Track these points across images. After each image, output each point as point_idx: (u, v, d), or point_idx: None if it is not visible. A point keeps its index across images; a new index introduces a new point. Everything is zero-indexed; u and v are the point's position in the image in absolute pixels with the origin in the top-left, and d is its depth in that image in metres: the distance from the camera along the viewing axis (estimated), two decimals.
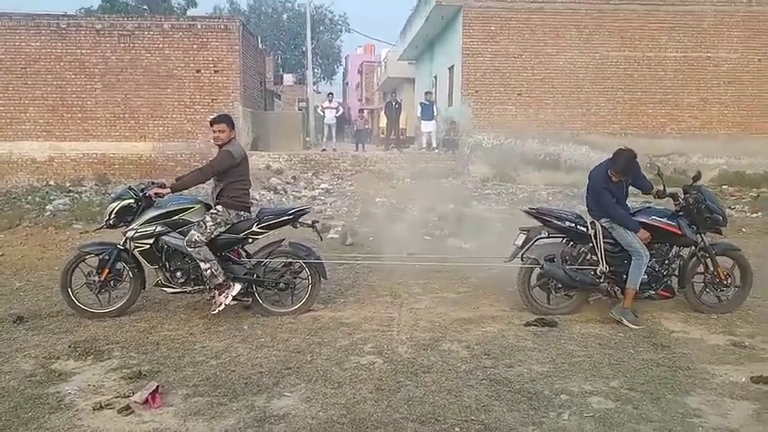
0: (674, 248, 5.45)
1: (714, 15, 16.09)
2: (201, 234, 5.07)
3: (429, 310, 5.51)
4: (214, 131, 5.31)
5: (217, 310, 5.11)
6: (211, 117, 5.44)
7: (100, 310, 5.26)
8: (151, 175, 14.26)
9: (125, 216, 5.17)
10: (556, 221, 5.41)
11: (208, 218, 5.13)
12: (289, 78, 40.39)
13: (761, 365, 4.22)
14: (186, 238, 5.05)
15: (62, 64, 15.34)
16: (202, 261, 5.05)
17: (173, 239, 5.14)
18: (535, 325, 5.05)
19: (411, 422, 3.35)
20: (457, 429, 3.28)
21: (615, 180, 5.23)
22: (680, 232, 5.29)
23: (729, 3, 16.09)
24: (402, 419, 3.38)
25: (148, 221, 5.14)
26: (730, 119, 16.41)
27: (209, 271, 5.05)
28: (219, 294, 5.12)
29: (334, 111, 19.16)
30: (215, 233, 5.14)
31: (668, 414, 3.47)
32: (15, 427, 3.30)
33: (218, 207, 5.21)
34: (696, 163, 15.60)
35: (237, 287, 5.14)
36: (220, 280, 5.11)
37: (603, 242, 5.26)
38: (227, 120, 5.38)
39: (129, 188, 5.35)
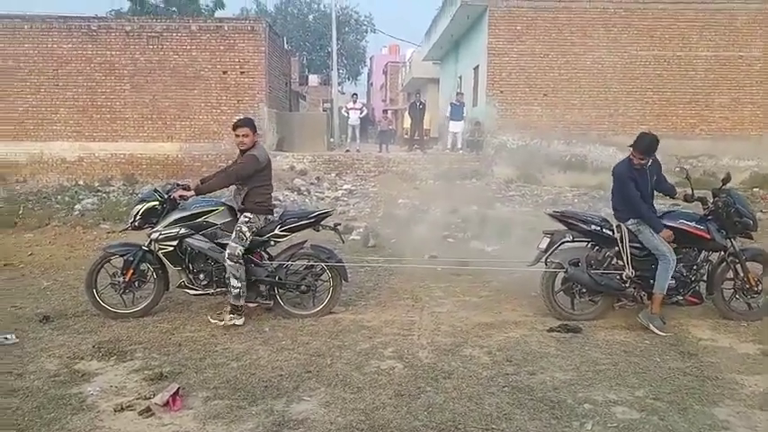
0: (703, 253, 5.32)
1: (746, 14, 15.70)
2: (242, 244, 5.10)
3: (450, 315, 5.46)
4: (237, 136, 5.25)
5: (221, 323, 5.07)
6: (234, 121, 5.38)
7: (124, 310, 5.32)
8: (178, 175, 14.41)
9: (150, 218, 5.23)
10: (581, 225, 5.31)
11: (244, 228, 5.14)
12: (314, 79, 40.56)
13: None
14: (228, 251, 5.08)
15: (92, 65, 15.60)
16: (235, 278, 5.08)
17: (196, 242, 5.19)
18: (558, 331, 4.97)
19: (431, 429, 3.32)
20: None
21: (638, 166, 5.13)
22: (709, 236, 5.16)
23: (763, 0, 15.68)
24: (422, 426, 3.35)
25: (172, 223, 5.19)
26: (762, 119, 16.00)
27: (237, 290, 5.09)
28: (231, 313, 5.13)
29: (359, 111, 19.15)
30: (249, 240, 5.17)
31: (695, 426, 3.38)
32: (38, 427, 3.35)
33: (249, 214, 5.20)
34: (726, 165, 15.23)
35: (241, 321, 5.12)
36: (241, 303, 5.13)
37: (630, 246, 5.16)
38: (250, 123, 5.32)
39: (155, 190, 5.41)
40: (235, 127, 5.30)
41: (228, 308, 5.15)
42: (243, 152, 5.29)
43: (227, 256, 5.08)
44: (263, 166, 5.25)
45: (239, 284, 5.09)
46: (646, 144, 5.09)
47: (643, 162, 5.13)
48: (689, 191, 5.40)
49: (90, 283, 5.25)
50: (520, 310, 5.61)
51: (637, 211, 5.16)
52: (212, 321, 5.11)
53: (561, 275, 5.36)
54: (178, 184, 5.51)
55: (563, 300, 5.40)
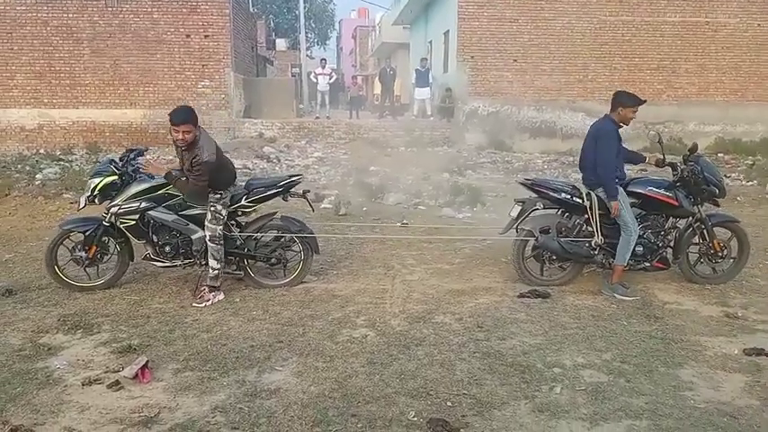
0: (670, 220, 5.41)
1: None
2: (220, 224, 4.97)
3: (422, 282, 5.48)
4: (177, 132, 4.67)
5: (202, 305, 4.84)
6: (170, 114, 4.69)
7: (89, 283, 5.20)
8: (143, 143, 14.07)
9: (109, 192, 5.04)
10: (551, 193, 5.34)
11: (218, 206, 4.96)
12: (281, 43, 39.67)
13: (754, 337, 4.22)
14: (208, 234, 4.94)
15: (49, 29, 14.98)
16: (215, 259, 4.96)
17: (160, 214, 5.04)
18: (528, 297, 5.03)
19: (403, 396, 3.34)
20: (449, 403, 3.26)
21: (624, 124, 5.20)
22: (677, 203, 5.24)
23: None
24: (394, 393, 3.37)
25: (133, 197, 5.02)
26: (728, 85, 16.26)
27: (216, 272, 4.97)
28: (210, 292, 4.96)
29: (328, 77, 18.85)
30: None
31: (660, 387, 3.47)
32: (3, 402, 3.26)
33: (219, 191, 4.97)
34: (692, 130, 15.51)
35: (222, 296, 5.00)
36: (218, 284, 5.02)
37: (599, 213, 5.21)
38: (190, 116, 4.71)
39: (111, 161, 5.18)
40: (174, 122, 4.67)
41: (206, 288, 5.01)
42: (184, 149, 4.80)
43: (207, 238, 4.95)
44: (217, 160, 4.81)
45: (218, 266, 4.98)
46: (633, 97, 5.15)
47: (633, 118, 5.19)
48: (660, 156, 5.46)
49: (50, 261, 5.08)
50: (491, 277, 5.66)
51: (602, 173, 5.12)
52: (197, 306, 4.82)
53: (532, 243, 5.41)
54: (131, 150, 5.29)
55: (533, 266, 5.46)
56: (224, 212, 5.02)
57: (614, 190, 5.08)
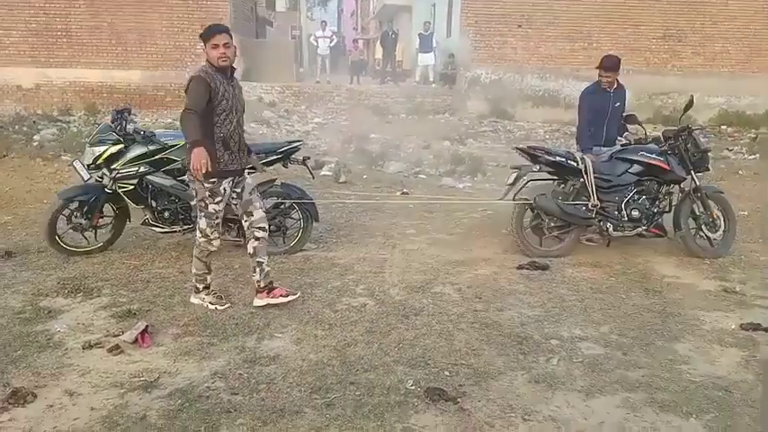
0: (664, 187, 5.46)
1: None
2: (209, 216, 3.98)
3: (421, 252, 5.49)
4: (218, 46, 3.80)
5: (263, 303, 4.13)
6: (207, 29, 3.90)
7: (88, 247, 5.19)
8: (141, 105, 13.92)
9: (112, 160, 5.00)
10: (546, 156, 5.37)
11: (207, 200, 3.94)
12: (281, 4, 38.93)
13: (751, 312, 4.25)
14: (199, 232, 4.05)
15: None
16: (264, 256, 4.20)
17: (158, 179, 5.01)
18: (527, 268, 5.04)
19: (401, 365, 3.37)
20: (446, 373, 3.29)
21: (605, 85, 5.63)
22: (668, 167, 5.31)
23: None
24: (392, 362, 3.39)
25: (132, 161, 4.98)
26: (734, 56, 16.01)
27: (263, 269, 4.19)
28: (200, 293, 4.17)
29: (328, 40, 18.55)
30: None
31: (657, 360, 3.49)
32: (4, 365, 3.29)
33: (212, 180, 3.89)
34: (696, 102, 15.33)
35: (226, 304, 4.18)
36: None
37: (594, 177, 5.26)
38: (228, 30, 3.94)
39: (110, 128, 5.10)
40: (213, 35, 3.83)
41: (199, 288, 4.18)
42: (228, 69, 3.94)
43: (198, 231, 4.09)
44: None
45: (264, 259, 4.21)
46: (610, 61, 5.61)
47: (609, 79, 5.58)
48: (641, 137, 5.74)
49: (51, 233, 5.01)
50: (490, 248, 5.66)
51: (577, 134, 5.68)
52: (211, 307, 4.12)
53: (529, 213, 5.42)
54: (120, 111, 5.13)
55: (532, 238, 5.46)
56: (217, 209, 3.94)
57: (585, 142, 5.59)
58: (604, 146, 5.66)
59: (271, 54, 17.90)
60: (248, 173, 4.87)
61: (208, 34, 3.85)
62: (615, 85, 5.71)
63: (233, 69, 3.97)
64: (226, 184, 3.96)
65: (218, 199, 3.95)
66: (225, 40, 3.81)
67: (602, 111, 5.60)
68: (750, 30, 15.82)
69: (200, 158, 3.64)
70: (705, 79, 15.85)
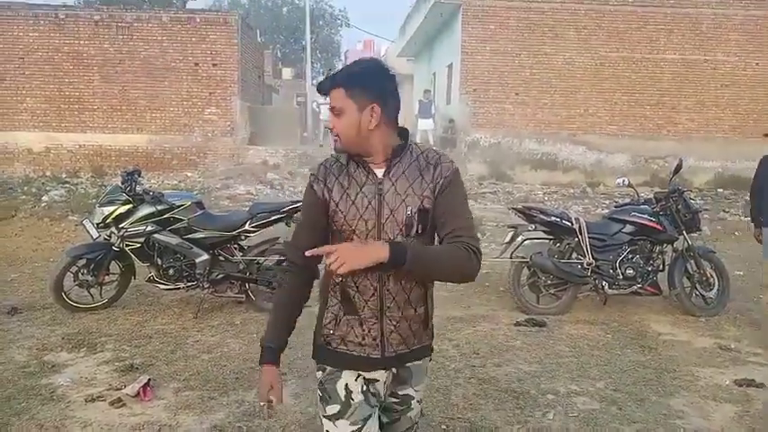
0: (657, 246, 5.60)
1: (712, 18, 16.13)
2: None
3: None
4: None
5: None
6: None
7: (93, 303, 5.28)
8: (148, 167, 14.26)
9: (121, 219, 5.17)
10: (541, 216, 5.53)
11: None
12: (287, 72, 40.29)
13: (745, 368, 4.29)
14: None
15: (60, 55, 15.29)
16: None
17: (164, 237, 5.16)
18: (525, 325, 5.11)
19: None
20: (443, 427, 3.33)
21: None
22: (661, 228, 5.45)
23: (727, 6, 16.13)
24: None
25: (140, 220, 5.15)
26: (727, 122, 16.47)
27: None
28: None
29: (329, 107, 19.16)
30: None
31: (651, 415, 3.53)
32: (8, 417, 3.34)
33: None
34: (692, 165, 15.65)
35: None
36: None
37: (589, 236, 5.41)
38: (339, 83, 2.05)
39: (119, 189, 5.29)
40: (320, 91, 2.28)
41: None
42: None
43: None
44: None
45: None
46: None
47: None
48: (635, 197, 5.97)
49: (58, 288, 5.14)
50: (488, 305, 5.74)
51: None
52: None
53: (526, 271, 5.54)
54: (129, 173, 5.29)
55: (529, 295, 5.55)
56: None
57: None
58: None
59: (276, 120, 18.45)
60: (244, 236, 5.00)
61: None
62: None
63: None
64: (349, 380, 1.95)
65: (334, 408, 1.95)
66: (334, 102, 1.92)
67: None
68: (742, 98, 16.34)
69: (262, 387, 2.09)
70: (699, 144, 16.24)
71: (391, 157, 1.85)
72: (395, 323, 1.86)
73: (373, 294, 1.84)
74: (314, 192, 1.89)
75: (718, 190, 14.93)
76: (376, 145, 1.83)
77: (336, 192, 1.85)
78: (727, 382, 4.02)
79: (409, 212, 1.79)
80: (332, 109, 1.85)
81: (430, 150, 1.92)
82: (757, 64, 16.28)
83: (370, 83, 1.83)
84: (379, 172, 1.83)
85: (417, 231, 1.80)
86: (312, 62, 30.10)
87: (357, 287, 1.86)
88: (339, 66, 53.38)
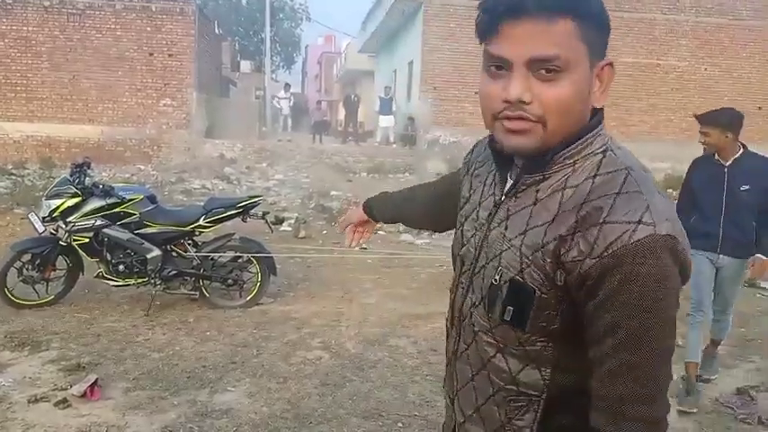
0: None
1: (665, 24, 16.62)
2: None
3: (379, 306, 5.54)
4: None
5: None
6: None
7: (38, 300, 5.07)
8: (99, 159, 13.83)
9: (69, 213, 4.98)
10: None
11: None
12: (246, 65, 39.67)
13: None
14: None
15: (6, 41, 14.71)
16: None
17: (114, 232, 4.99)
18: None
19: (355, 417, 3.37)
20: (399, 425, 3.31)
21: (708, 152, 3.75)
22: None
23: (679, 12, 16.63)
24: (346, 415, 3.40)
25: (89, 214, 4.96)
26: (677, 125, 16.99)
27: None
28: None
29: (288, 101, 19.00)
30: None
31: None
32: None
33: None
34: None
35: None
36: None
37: None
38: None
39: (68, 181, 5.07)
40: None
41: None
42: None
43: None
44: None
45: None
46: (715, 115, 3.68)
47: (708, 143, 3.68)
48: None
49: (1, 284, 4.90)
50: (446, 301, 5.73)
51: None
52: None
53: None
54: (78, 165, 5.12)
55: None
56: None
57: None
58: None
59: (234, 113, 18.18)
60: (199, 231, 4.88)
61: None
62: (739, 152, 3.65)
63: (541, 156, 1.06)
64: None
65: None
66: (546, 44, 0.96)
67: (708, 194, 3.70)
68: (692, 101, 16.87)
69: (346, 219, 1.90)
70: (651, 145, 16.68)
71: (535, 163, 1.02)
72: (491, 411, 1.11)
73: (468, 365, 1.16)
74: (460, 171, 1.38)
75: (668, 190, 15.38)
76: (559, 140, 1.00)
77: (465, 189, 1.25)
78: None
79: (496, 279, 1.04)
80: (535, 61, 0.94)
81: (620, 173, 0.98)
82: (706, 69, 16.86)
83: (607, 18, 1.00)
84: (509, 185, 1.09)
85: (506, 319, 1.03)
86: (271, 56, 29.74)
87: (448, 340, 1.28)
88: (300, 60, 52.73)
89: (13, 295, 4.97)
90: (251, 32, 45.53)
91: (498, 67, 0.98)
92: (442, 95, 16.36)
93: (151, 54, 15.28)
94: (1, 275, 4.91)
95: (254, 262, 5.32)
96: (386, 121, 17.88)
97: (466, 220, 1.19)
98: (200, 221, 5.17)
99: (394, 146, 17.50)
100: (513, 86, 0.94)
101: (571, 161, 1.00)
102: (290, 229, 8.75)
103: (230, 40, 36.72)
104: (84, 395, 3.44)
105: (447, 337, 1.25)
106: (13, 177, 12.34)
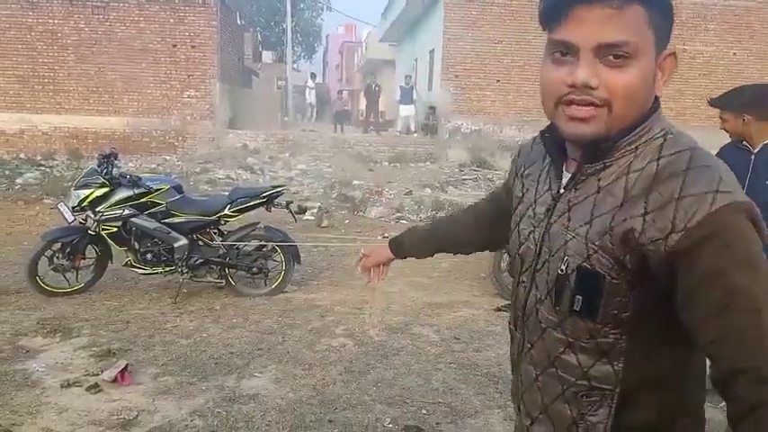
0: None
1: (692, 8, 16.26)
2: None
3: (401, 294, 5.56)
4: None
5: None
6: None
7: (68, 288, 5.19)
8: (126, 151, 14.03)
9: (98, 204, 5.08)
10: None
11: None
12: (268, 56, 39.80)
13: None
14: None
15: (33, 34, 14.93)
16: None
17: (142, 221, 5.08)
18: (505, 310, 5.13)
19: (379, 404, 3.41)
20: (424, 411, 3.34)
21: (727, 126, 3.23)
22: None
23: None
24: (371, 401, 3.43)
25: (116, 204, 5.06)
26: (704, 111, 16.63)
27: None
28: None
29: (314, 90, 19.07)
30: None
31: None
32: None
33: None
34: None
35: None
36: None
37: None
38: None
39: (95, 172, 5.16)
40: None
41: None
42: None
43: None
44: None
45: None
46: (733, 95, 3.26)
47: (726, 129, 3.29)
48: None
49: (32, 273, 5.02)
50: (469, 291, 5.76)
51: None
52: None
53: (506, 257, 5.55)
54: (106, 156, 5.19)
55: (509, 280, 5.57)
56: None
57: None
58: None
59: (257, 103, 18.28)
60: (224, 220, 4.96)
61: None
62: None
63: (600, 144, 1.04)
64: None
65: None
66: (617, 30, 0.94)
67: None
68: (720, 87, 16.43)
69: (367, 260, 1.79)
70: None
71: (596, 151, 1.01)
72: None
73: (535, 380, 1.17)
74: (506, 182, 1.38)
75: None
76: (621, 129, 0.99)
77: (517, 190, 1.25)
78: None
79: (563, 268, 1.02)
80: (604, 47, 0.93)
81: (684, 151, 0.98)
82: (735, 53, 16.48)
83: (672, 7, 1.00)
84: (566, 178, 1.08)
85: (575, 309, 1.01)
86: (293, 46, 29.79)
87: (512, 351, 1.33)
88: (321, 50, 52.79)
89: (44, 283, 5.09)
90: (272, 23, 45.60)
91: (563, 53, 0.97)
92: (464, 84, 16.25)
93: (174, 46, 15.41)
94: (32, 264, 5.03)
95: (279, 251, 5.37)
96: (407, 110, 17.83)
97: (521, 219, 1.19)
98: (226, 211, 5.23)
99: (415, 135, 17.45)
100: (580, 71, 0.94)
101: (633, 147, 1.00)
102: (312, 218, 8.81)
103: (252, 30, 36.85)
104: (114, 380, 3.53)
105: (511, 339, 1.26)
106: (42, 168, 12.59)
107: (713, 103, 3.32)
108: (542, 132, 1.12)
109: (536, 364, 1.12)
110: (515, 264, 1.20)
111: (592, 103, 0.95)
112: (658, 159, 0.97)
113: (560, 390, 1.07)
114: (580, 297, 1.00)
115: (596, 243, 0.97)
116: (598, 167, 1.02)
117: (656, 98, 1.04)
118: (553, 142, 1.08)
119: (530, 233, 1.14)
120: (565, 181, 1.07)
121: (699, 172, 0.93)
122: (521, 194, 1.21)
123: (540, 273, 1.10)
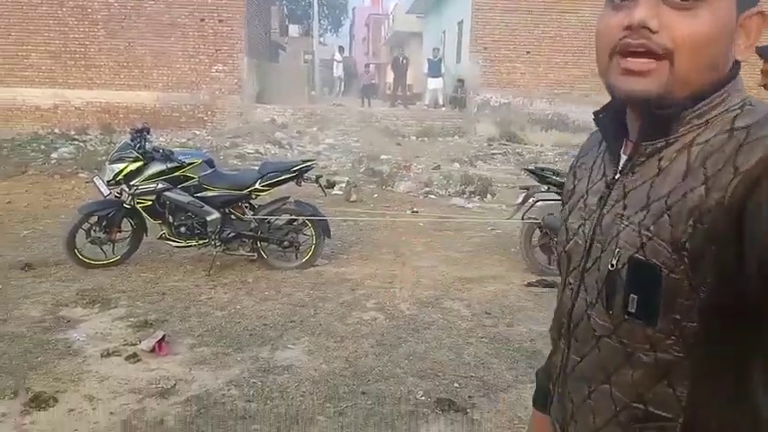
0: None
1: None
2: None
3: (431, 269, 5.57)
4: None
5: None
6: None
7: (105, 260, 5.30)
8: (157, 125, 14.18)
9: (132, 176, 5.16)
10: (553, 177, 5.45)
11: None
12: (294, 29, 39.62)
13: None
14: None
15: (64, 9, 15.06)
16: None
17: (175, 195, 5.15)
18: (536, 285, 5.11)
19: (412, 377, 3.43)
20: (456, 385, 3.36)
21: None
22: None
23: None
24: (403, 374, 3.46)
25: (150, 177, 5.13)
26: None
27: None
28: None
29: (342, 64, 18.95)
30: None
31: None
32: (25, 370, 3.38)
33: None
34: None
35: None
36: None
37: None
38: None
39: (129, 146, 5.24)
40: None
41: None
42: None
43: None
44: None
45: None
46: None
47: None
48: None
49: (71, 245, 5.14)
50: (499, 266, 5.74)
51: None
52: None
53: (538, 232, 5.51)
54: (138, 131, 5.28)
55: (540, 256, 5.54)
56: None
57: None
58: None
59: (284, 78, 18.26)
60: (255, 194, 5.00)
61: None
62: None
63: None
64: None
65: None
66: None
67: None
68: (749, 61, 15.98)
69: None
70: None
71: (656, 123, 0.85)
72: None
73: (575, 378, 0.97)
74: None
75: None
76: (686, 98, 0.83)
77: (569, 183, 1.07)
78: None
79: (613, 263, 0.86)
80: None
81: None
82: None
83: None
84: (623, 161, 0.92)
85: (630, 311, 0.83)
86: (319, 19, 29.59)
87: (555, 355, 1.07)
88: (347, 23, 52.31)
89: (82, 255, 5.22)
90: None
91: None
92: (493, 56, 15.97)
93: (202, 20, 15.41)
94: (70, 237, 5.15)
95: (309, 225, 5.41)
96: (435, 83, 17.62)
97: (570, 212, 1.00)
98: (257, 185, 5.28)
99: (443, 108, 17.27)
100: (638, 10, 0.79)
101: (703, 120, 0.82)
102: (340, 192, 8.83)
103: (278, 4, 36.65)
104: (152, 350, 3.62)
105: (554, 350, 1.07)
106: (76, 143, 12.80)
107: (761, 50, 2.93)
108: (596, 114, 0.97)
109: (588, 378, 0.92)
110: (561, 263, 1.01)
111: (650, 51, 0.79)
112: (729, 132, 0.79)
113: (614, 410, 0.88)
114: (635, 296, 0.82)
115: (651, 228, 0.80)
116: (659, 145, 0.84)
117: (737, 63, 0.85)
118: (609, 122, 0.94)
119: (579, 227, 0.96)
120: (622, 163, 0.91)
121: (766, 120, 0.78)
122: (572, 186, 1.04)
123: (589, 272, 0.91)
